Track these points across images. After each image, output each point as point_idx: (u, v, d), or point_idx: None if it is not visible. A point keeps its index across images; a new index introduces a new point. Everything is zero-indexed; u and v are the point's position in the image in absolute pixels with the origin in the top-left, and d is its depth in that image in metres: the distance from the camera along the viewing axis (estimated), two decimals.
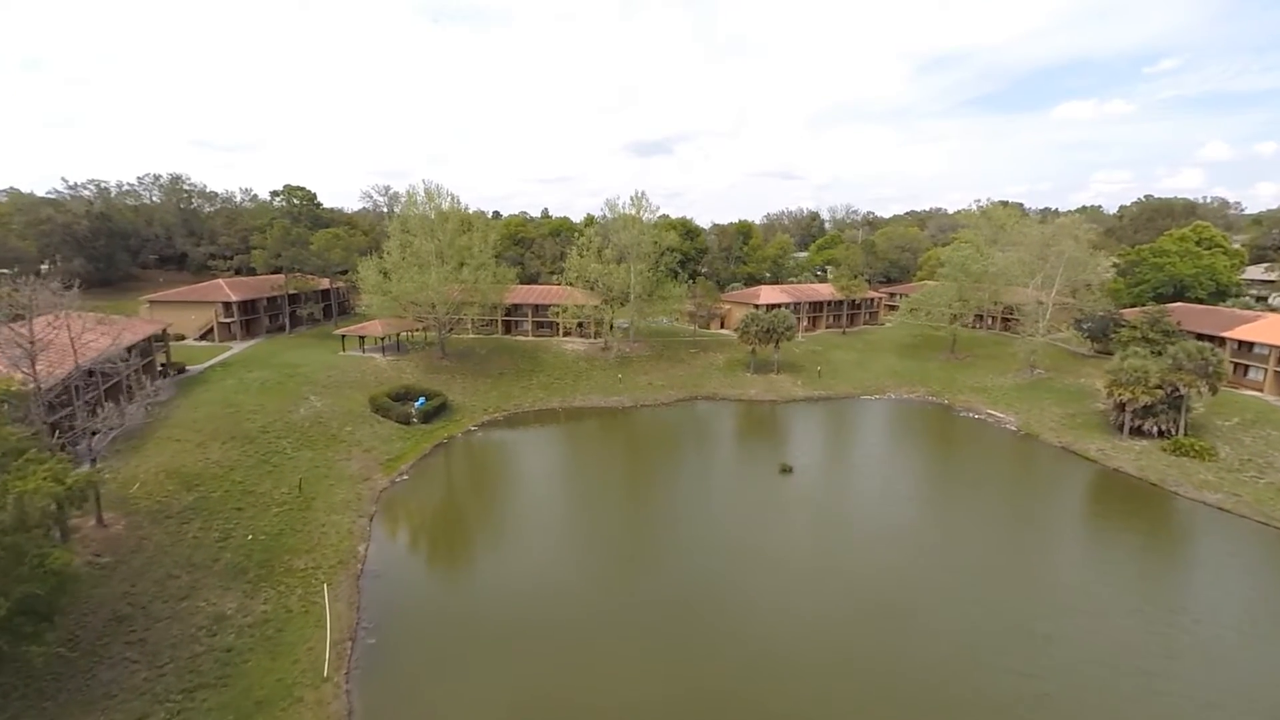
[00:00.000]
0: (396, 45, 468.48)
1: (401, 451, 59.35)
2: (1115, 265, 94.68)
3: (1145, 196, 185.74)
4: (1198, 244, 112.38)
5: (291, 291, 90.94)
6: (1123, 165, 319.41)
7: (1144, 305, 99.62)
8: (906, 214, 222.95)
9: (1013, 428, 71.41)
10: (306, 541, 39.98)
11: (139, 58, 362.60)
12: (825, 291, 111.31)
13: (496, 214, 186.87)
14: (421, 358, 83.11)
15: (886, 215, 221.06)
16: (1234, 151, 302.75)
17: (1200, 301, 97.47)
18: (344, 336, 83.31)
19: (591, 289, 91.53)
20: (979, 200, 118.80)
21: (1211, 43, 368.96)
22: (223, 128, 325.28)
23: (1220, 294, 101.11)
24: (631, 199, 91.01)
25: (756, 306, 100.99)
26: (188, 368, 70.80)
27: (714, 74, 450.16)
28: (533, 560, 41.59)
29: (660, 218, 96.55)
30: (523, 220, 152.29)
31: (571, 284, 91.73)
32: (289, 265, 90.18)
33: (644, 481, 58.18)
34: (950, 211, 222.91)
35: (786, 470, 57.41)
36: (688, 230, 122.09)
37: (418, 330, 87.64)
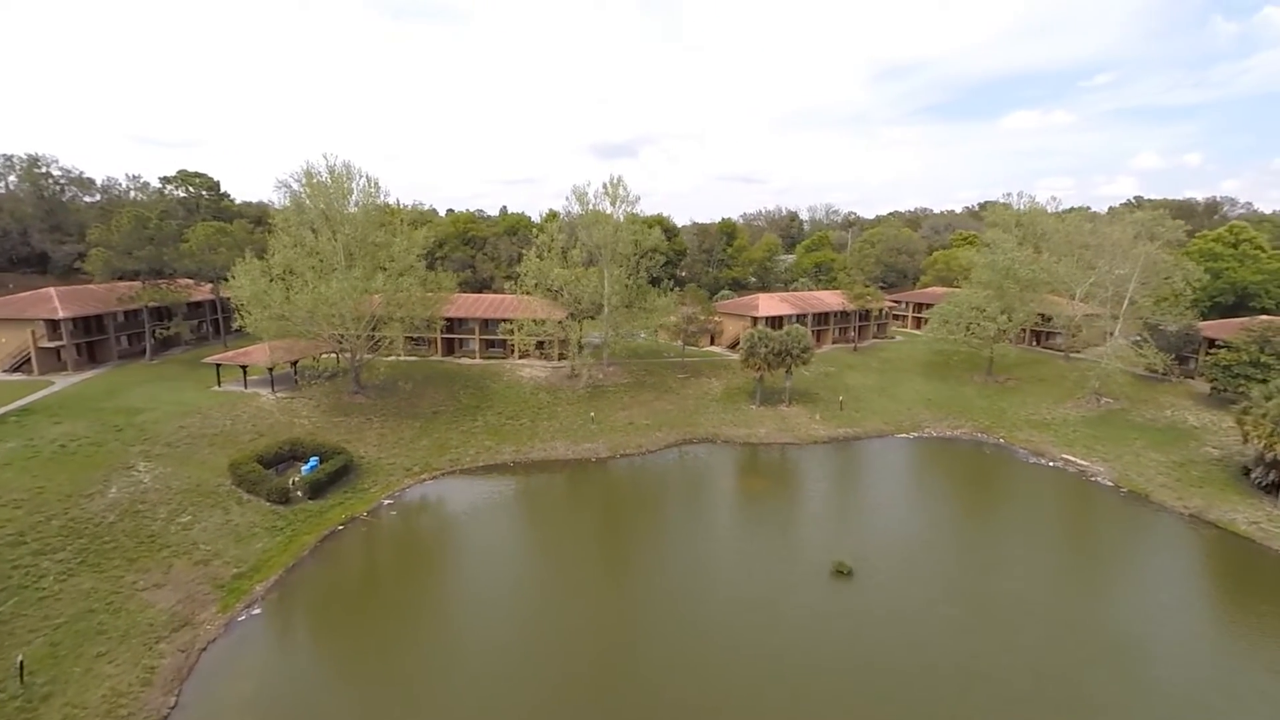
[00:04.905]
0: (355, 42, 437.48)
1: (264, 556, 38.80)
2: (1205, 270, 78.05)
3: (1136, 198, 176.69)
4: (1234, 246, 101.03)
5: (154, 304, 68.61)
6: (1065, 173, 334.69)
7: (1201, 316, 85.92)
8: (890, 214, 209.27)
9: (1106, 482, 54.94)
10: None
11: (78, 47, 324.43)
12: (833, 301, 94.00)
13: (450, 211, 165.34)
14: (325, 394, 62.19)
15: (869, 216, 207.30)
16: (1164, 161, 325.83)
17: (1266, 311, 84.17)
18: (219, 366, 61.80)
19: (555, 299, 72.31)
20: (1018, 194, 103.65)
21: (1146, 59, 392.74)
22: (169, 123, 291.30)
23: None
24: (605, 187, 71.71)
25: (755, 320, 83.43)
26: None
27: (678, 77, 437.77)
28: None
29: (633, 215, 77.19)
30: (472, 217, 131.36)
31: (529, 293, 72.17)
32: (148, 270, 67.73)
33: (632, 605, 38.73)
34: (937, 211, 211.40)
35: (843, 572, 39.28)
36: (665, 229, 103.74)
37: (327, 353, 66.70)
